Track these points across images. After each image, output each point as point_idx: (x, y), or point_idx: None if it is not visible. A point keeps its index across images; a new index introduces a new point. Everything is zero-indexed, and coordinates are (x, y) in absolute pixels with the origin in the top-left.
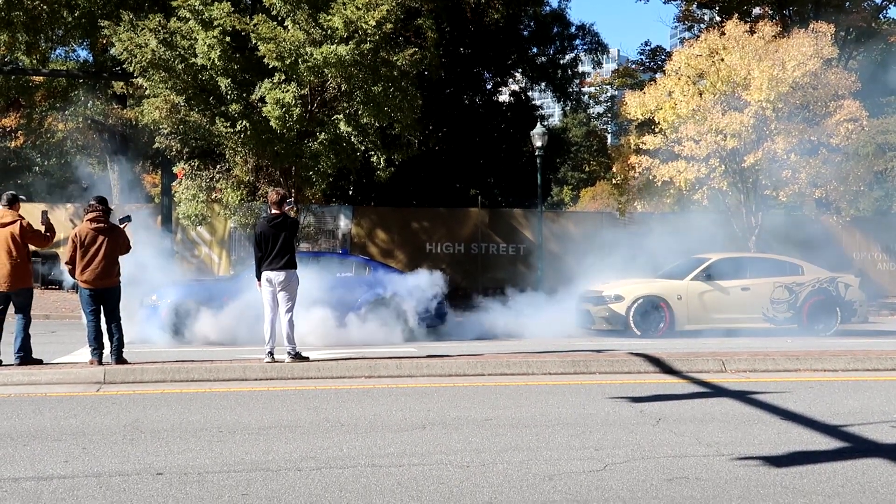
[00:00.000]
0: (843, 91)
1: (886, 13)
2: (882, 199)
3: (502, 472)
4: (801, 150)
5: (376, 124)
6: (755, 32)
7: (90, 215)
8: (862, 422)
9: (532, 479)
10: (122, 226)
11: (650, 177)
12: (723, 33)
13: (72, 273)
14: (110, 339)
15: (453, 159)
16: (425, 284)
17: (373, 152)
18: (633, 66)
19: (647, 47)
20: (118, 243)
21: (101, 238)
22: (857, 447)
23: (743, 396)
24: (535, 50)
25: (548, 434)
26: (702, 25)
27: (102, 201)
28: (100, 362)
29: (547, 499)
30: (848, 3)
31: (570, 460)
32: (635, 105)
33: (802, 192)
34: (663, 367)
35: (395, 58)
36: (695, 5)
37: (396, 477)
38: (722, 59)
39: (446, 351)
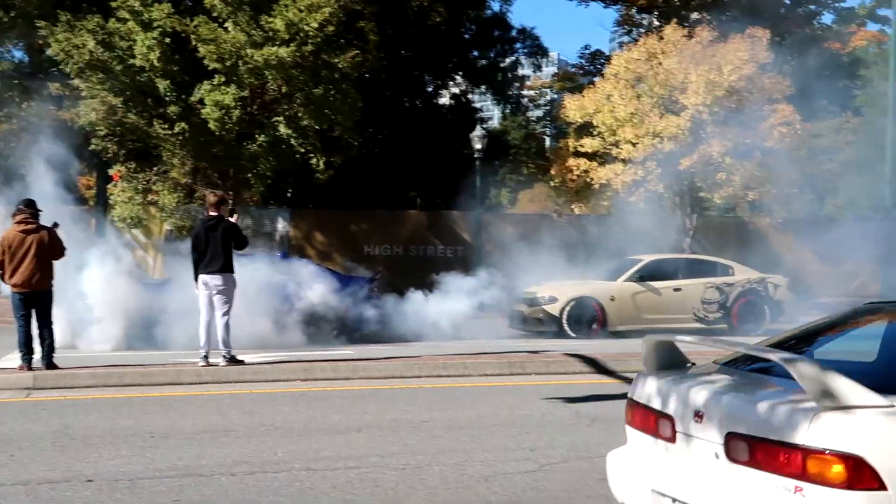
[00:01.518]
0: (778, 95)
1: (820, 19)
2: (813, 202)
3: (438, 473)
4: (736, 153)
5: (316, 126)
6: (693, 37)
7: (17, 218)
8: None
9: (468, 481)
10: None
11: (588, 179)
12: (661, 38)
13: (1, 277)
14: (41, 343)
15: (393, 162)
16: (362, 287)
17: (312, 155)
18: (573, 70)
19: (587, 51)
20: (49, 246)
21: (29, 241)
22: None
23: None
24: (476, 53)
25: (484, 435)
26: (641, 30)
27: (30, 204)
28: (29, 367)
29: (482, 500)
30: (783, 10)
31: (506, 461)
32: (574, 108)
33: (737, 195)
34: (598, 367)
35: (336, 60)
36: (634, 10)
37: (331, 480)
38: (660, 64)
39: (383, 353)
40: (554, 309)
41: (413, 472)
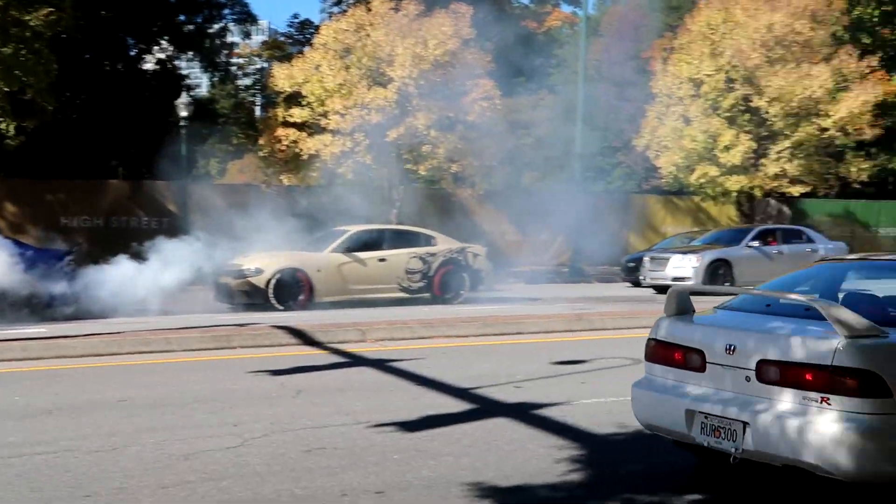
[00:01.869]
0: (480, 70)
1: None
2: (511, 175)
3: (135, 455)
4: (440, 126)
5: (5, 88)
6: (400, 10)
7: None
8: (490, 384)
9: (167, 461)
10: None
11: (297, 150)
12: (369, 9)
13: None
14: None
15: (93, 128)
16: (57, 260)
17: (1, 119)
18: (283, 39)
19: (297, 20)
20: None
21: None
22: (485, 408)
23: (382, 364)
24: (182, 18)
25: (186, 412)
26: (350, 1)
27: None
28: None
29: (181, 479)
30: None
31: (208, 438)
32: (283, 77)
33: (441, 167)
34: (306, 338)
35: (27, 17)
36: None
37: (17, 468)
38: (368, 35)
39: (80, 331)
40: (260, 281)
41: (108, 455)
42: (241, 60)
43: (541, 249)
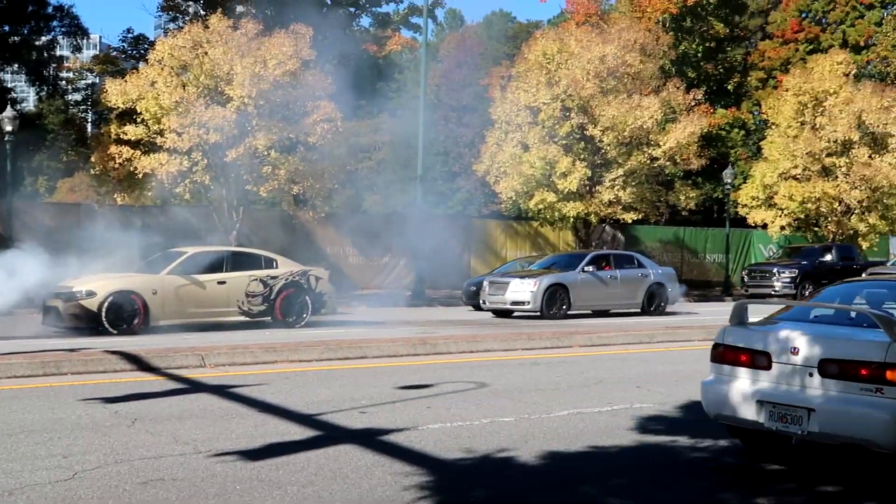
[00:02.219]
0: (321, 92)
1: (359, 22)
2: (352, 198)
3: None
4: (280, 148)
5: None
6: (239, 28)
7: None
8: (334, 409)
9: None
10: None
11: (132, 168)
12: (207, 27)
13: None
14: None
15: None
16: None
17: None
18: (115, 54)
19: (130, 35)
20: None
21: None
22: (330, 434)
23: (222, 391)
24: (6, 28)
25: (11, 443)
26: (186, 17)
27: None
28: None
29: None
30: (325, 9)
31: (35, 471)
32: (116, 93)
33: (282, 188)
34: (141, 364)
35: None
36: None
37: None
38: (206, 53)
39: None
40: (92, 304)
41: None
42: (70, 74)
43: (383, 273)
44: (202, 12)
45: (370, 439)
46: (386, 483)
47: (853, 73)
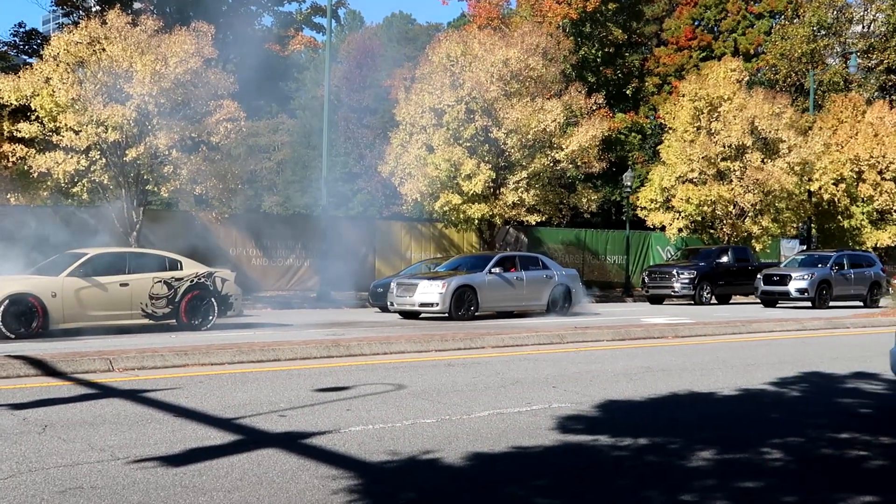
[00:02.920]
0: (223, 91)
1: (261, 21)
2: (253, 198)
3: None
4: (182, 147)
5: None
6: (138, 25)
7: None
8: (252, 413)
9: None
10: None
11: (26, 167)
12: (104, 22)
13: None
14: None
15: None
16: None
17: None
18: (5, 49)
19: (22, 29)
20: None
21: None
22: (251, 439)
23: (134, 395)
24: None
25: None
26: (81, 13)
27: None
28: None
29: None
30: (225, 8)
31: None
32: (9, 90)
33: (184, 189)
34: (46, 369)
35: None
36: None
37: None
38: (104, 50)
39: None
40: None
41: None
42: None
43: (287, 275)
44: (97, 8)
45: (293, 443)
46: (314, 487)
47: (745, 80)
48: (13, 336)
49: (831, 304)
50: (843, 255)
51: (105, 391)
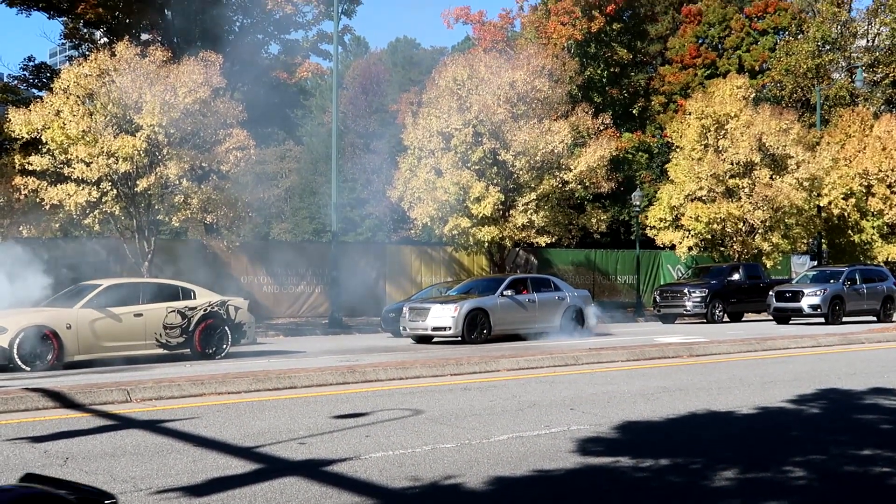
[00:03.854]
0: (232, 120)
1: (268, 49)
2: (262, 226)
3: None
4: (192, 176)
5: None
6: (147, 56)
7: None
8: (272, 441)
9: None
10: None
11: (38, 199)
12: (113, 54)
13: None
14: None
15: None
16: None
17: None
18: (15, 83)
19: (32, 63)
20: None
21: None
22: (272, 467)
23: (153, 426)
24: None
25: None
26: (91, 45)
27: None
28: None
29: None
30: (232, 37)
31: None
32: (20, 123)
33: (194, 218)
34: (65, 401)
35: None
36: (81, 23)
37: None
38: (113, 81)
39: None
40: (3, 341)
41: None
42: None
43: (298, 301)
44: (105, 40)
45: (314, 470)
46: None
47: (751, 96)
48: (29, 369)
49: (844, 319)
50: (855, 270)
51: (124, 422)
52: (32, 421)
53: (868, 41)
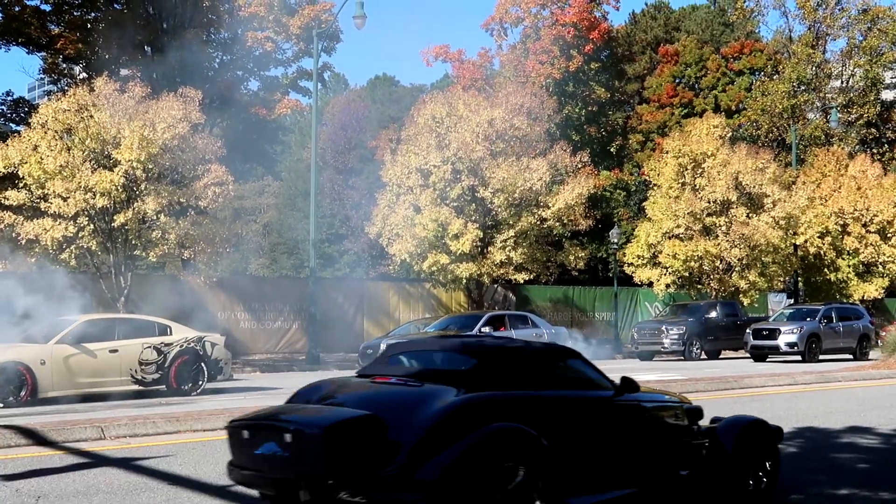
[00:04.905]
0: (210, 156)
1: (248, 85)
2: (239, 261)
3: None
4: (170, 212)
5: None
6: (126, 92)
7: None
8: None
9: None
10: None
11: (13, 234)
12: (92, 89)
13: None
14: None
15: None
16: None
17: None
18: None
19: (10, 98)
20: None
21: None
22: None
23: (127, 464)
24: None
25: None
26: (70, 80)
27: None
28: None
29: None
30: (212, 73)
31: None
32: None
33: (172, 253)
34: (37, 438)
35: None
36: (61, 58)
37: None
38: (91, 116)
39: None
40: None
41: None
42: None
43: (275, 337)
44: (84, 75)
45: None
46: None
47: (728, 135)
48: (2, 405)
49: (821, 357)
50: (832, 309)
51: (98, 460)
52: (3, 459)
53: (842, 82)
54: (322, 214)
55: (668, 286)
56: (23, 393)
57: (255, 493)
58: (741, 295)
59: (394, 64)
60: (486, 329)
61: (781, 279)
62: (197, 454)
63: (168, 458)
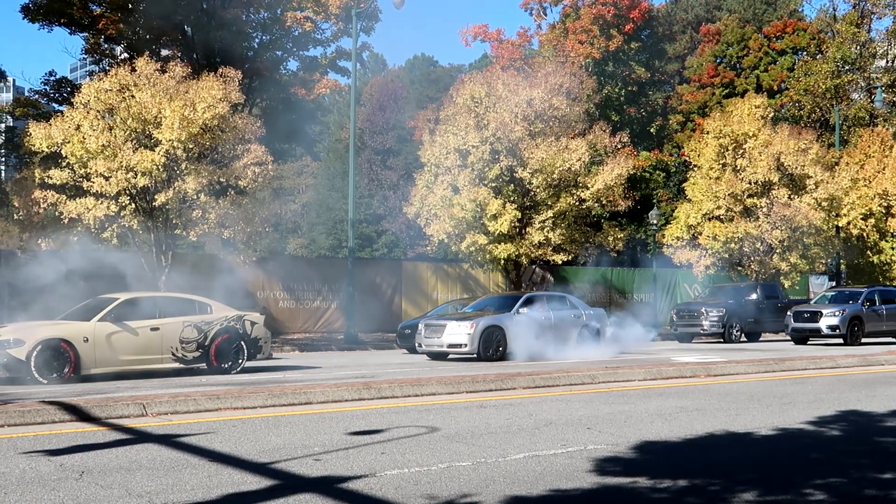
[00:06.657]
0: (250, 136)
1: (287, 65)
2: (278, 241)
3: None
4: (210, 191)
5: None
6: (167, 72)
7: None
8: (287, 457)
9: None
10: None
11: (57, 213)
12: (134, 69)
13: None
14: None
15: None
16: None
17: None
18: (37, 97)
19: (53, 78)
20: None
21: None
22: (287, 483)
23: (168, 440)
24: None
25: None
26: (111, 60)
27: None
28: None
29: None
30: (251, 53)
31: None
32: (41, 137)
33: (212, 232)
34: (81, 414)
35: None
36: (102, 39)
37: None
38: (133, 96)
39: None
40: (20, 353)
41: None
42: None
43: (314, 317)
44: (126, 55)
45: (329, 487)
46: None
47: (770, 116)
48: (45, 381)
49: (863, 340)
50: (875, 291)
51: (139, 436)
52: (48, 434)
53: (888, 62)
54: (360, 195)
55: (707, 268)
56: (66, 370)
57: (293, 469)
58: (782, 277)
59: (432, 44)
60: (525, 310)
61: (823, 261)
62: (237, 431)
63: (209, 434)
